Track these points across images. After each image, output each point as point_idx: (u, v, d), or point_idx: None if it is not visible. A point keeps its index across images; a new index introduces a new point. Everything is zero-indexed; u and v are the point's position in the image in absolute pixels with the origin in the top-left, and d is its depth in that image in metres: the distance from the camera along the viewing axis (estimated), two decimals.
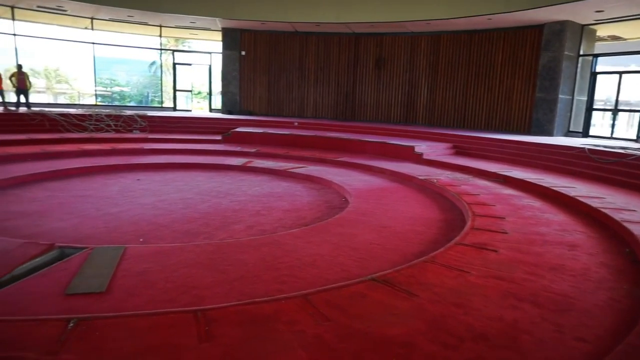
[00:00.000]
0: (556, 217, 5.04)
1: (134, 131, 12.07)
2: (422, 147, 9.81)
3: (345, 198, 6.40)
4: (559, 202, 5.83)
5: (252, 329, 2.27)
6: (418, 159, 9.43)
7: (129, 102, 20.76)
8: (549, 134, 12.01)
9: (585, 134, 12.36)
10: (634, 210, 4.98)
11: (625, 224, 4.33)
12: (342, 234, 4.31)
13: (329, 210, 5.69)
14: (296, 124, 13.75)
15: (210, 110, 18.21)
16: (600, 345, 2.28)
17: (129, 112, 12.94)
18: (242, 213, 5.39)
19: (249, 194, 6.44)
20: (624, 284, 3.17)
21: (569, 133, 12.42)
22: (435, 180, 7.08)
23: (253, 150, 10.19)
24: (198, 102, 20.53)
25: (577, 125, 12.52)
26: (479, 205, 5.36)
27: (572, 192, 5.96)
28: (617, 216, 4.64)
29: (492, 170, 7.86)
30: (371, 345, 2.19)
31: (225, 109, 16.65)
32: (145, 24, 15.77)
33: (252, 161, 8.96)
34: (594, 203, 5.31)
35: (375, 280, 2.96)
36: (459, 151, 10.54)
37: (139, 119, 12.43)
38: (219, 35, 16.24)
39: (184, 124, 13.48)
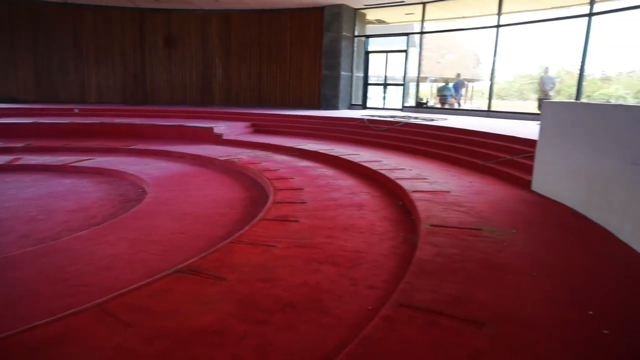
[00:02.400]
0: (346, 182, 5.62)
1: None
2: (221, 128, 9.72)
3: (142, 189, 5.90)
4: (347, 168, 6.51)
5: None
6: (218, 140, 9.33)
7: None
8: (335, 107, 13.31)
9: (364, 106, 14.13)
10: (403, 169, 5.92)
11: (398, 181, 5.10)
12: (140, 228, 3.97)
13: (124, 204, 5.16)
14: (76, 110, 12.03)
15: None
16: (387, 289, 2.63)
17: None
18: (11, 222, 4.46)
19: (20, 198, 5.37)
20: (401, 232, 3.73)
21: (351, 106, 13.98)
22: (236, 160, 7.12)
23: (21, 144, 8.52)
24: None
25: (357, 98, 14.19)
26: (279, 179, 5.60)
27: (356, 159, 6.73)
28: (391, 175, 5.44)
29: (289, 145, 8.30)
30: (182, 340, 2.07)
31: None
32: None
33: (20, 158, 7.49)
34: (374, 166, 6.10)
35: (180, 271, 2.80)
36: (258, 129, 10.81)
37: None
38: None
39: None
